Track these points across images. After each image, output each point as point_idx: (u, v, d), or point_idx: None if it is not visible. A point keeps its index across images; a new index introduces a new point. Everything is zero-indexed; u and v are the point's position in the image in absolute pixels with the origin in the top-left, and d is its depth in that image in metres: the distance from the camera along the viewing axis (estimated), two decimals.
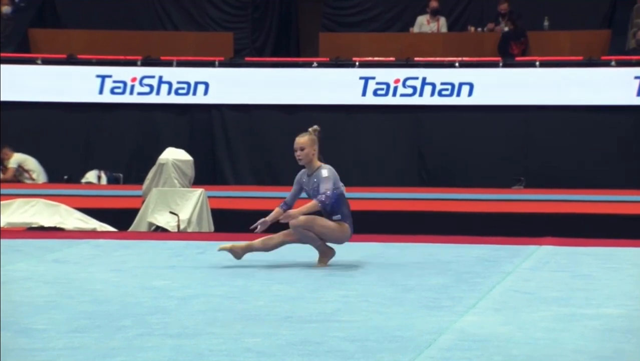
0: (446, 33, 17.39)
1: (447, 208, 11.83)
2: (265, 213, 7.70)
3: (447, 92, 15.25)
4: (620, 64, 14.79)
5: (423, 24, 17.39)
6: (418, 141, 15.42)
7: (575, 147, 14.77)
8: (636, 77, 14.54)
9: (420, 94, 15.28)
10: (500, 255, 8.42)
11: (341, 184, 7.73)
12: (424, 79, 15.28)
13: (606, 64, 14.86)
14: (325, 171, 7.66)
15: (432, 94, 15.29)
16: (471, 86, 15.19)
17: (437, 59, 15.74)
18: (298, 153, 7.70)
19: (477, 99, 15.17)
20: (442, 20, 17.41)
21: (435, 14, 17.34)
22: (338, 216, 7.67)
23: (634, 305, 6.11)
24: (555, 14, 16.99)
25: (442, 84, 15.29)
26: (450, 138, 15.31)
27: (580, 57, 15.22)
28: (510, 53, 16.31)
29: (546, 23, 17.02)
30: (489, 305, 6.12)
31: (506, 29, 16.70)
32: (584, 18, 16.97)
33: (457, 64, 15.36)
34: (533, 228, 10.26)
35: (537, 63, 15.12)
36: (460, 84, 15.24)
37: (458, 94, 15.22)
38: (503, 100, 15.06)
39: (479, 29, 17.35)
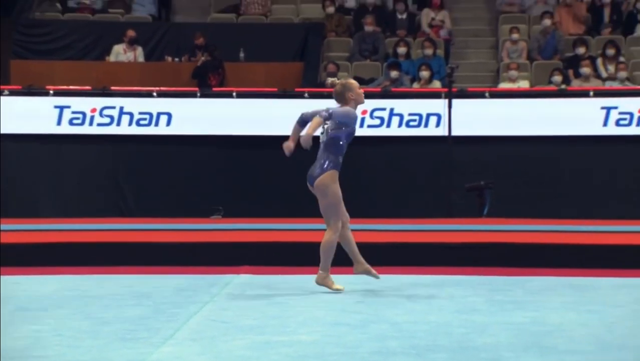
0: (143, 63, 17.34)
1: (147, 239, 11.72)
2: None
3: (146, 122, 15.17)
4: (313, 95, 15.24)
5: (120, 53, 17.28)
6: (116, 171, 15.24)
7: (271, 175, 15.05)
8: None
9: (118, 124, 15.12)
10: (199, 285, 8.46)
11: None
12: (121, 108, 15.14)
13: (300, 95, 15.28)
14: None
15: (130, 123, 15.17)
16: (169, 115, 15.19)
17: (135, 88, 15.64)
18: None
19: (175, 129, 15.17)
20: (139, 50, 17.37)
21: (132, 43, 17.27)
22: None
23: (325, 331, 6.30)
24: (250, 46, 17.32)
25: (140, 113, 15.20)
26: (149, 168, 15.23)
27: (275, 89, 15.57)
28: (207, 84, 16.48)
29: (242, 55, 17.32)
30: (186, 335, 6.13)
31: (203, 59, 16.87)
32: (278, 50, 17.39)
33: (155, 94, 15.32)
34: (231, 256, 10.35)
35: (234, 94, 15.32)
36: (159, 114, 15.20)
37: (156, 124, 15.18)
38: (201, 130, 15.13)
39: (177, 59, 17.44)
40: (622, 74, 16.22)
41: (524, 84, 16.47)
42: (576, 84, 16.06)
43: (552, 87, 15.77)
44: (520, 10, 18.53)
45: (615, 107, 14.59)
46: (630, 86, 16.01)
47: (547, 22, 17.37)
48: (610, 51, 16.63)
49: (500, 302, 7.63)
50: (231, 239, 11.21)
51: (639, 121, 14.57)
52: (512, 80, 16.43)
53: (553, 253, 10.43)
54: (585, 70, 16.14)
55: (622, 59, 16.76)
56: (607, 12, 17.95)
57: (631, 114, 14.58)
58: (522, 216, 13.66)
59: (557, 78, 15.97)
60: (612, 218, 13.69)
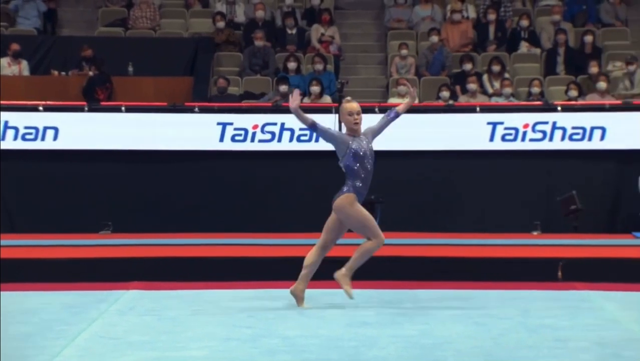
0: (29, 76, 17.06)
1: (34, 255, 11.53)
2: None
3: (32, 137, 14.93)
4: (203, 110, 15.19)
5: (4, 66, 16.97)
6: (1, 186, 14.93)
7: (161, 190, 14.93)
8: (219, 123, 14.99)
9: (3, 138, 14.85)
10: (87, 301, 8.35)
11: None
12: (5, 122, 14.87)
13: (190, 110, 15.21)
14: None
15: (15, 138, 14.92)
16: (56, 130, 14.97)
17: (20, 102, 15.37)
18: (357, 118, 7.99)
19: (63, 144, 14.96)
20: (24, 64, 17.08)
21: (16, 56, 16.98)
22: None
23: (216, 346, 6.27)
24: (139, 60, 17.18)
25: (26, 128, 14.96)
26: (36, 183, 14.98)
27: (165, 103, 15.47)
28: (95, 98, 16.29)
29: (130, 69, 17.17)
30: (73, 352, 6.04)
31: (91, 73, 16.68)
32: (167, 65, 17.29)
33: (41, 108, 15.08)
34: (120, 272, 10.24)
35: (123, 108, 15.17)
36: (45, 128, 14.98)
37: (43, 139, 14.95)
38: (90, 145, 14.95)
39: (63, 73, 17.19)
40: (507, 90, 16.54)
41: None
42: (463, 100, 16.33)
43: (440, 103, 16.01)
44: (408, 27, 18.77)
45: (501, 123, 14.87)
46: (515, 101, 16.34)
47: (434, 38, 17.64)
48: (496, 67, 16.95)
49: (390, 315, 7.70)
50: (120, 255, 11.10)
51: (524, 136, 14.87)
52: (401, 95, 16.61)
53: (441, 265, 10.57)
54: (472, 86, 16.42)
55: (507, 75, 17.10)
56: (492, 29, 18.31)
57: (516, 130, 14.88)
58: (412, 230, 13.81)
59: (445, 94, 16.22)
60: (499, 231, 13.94)
